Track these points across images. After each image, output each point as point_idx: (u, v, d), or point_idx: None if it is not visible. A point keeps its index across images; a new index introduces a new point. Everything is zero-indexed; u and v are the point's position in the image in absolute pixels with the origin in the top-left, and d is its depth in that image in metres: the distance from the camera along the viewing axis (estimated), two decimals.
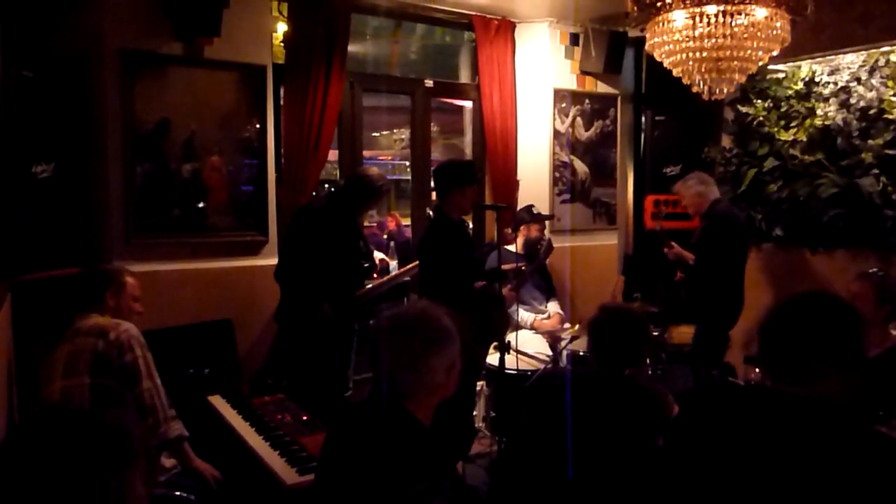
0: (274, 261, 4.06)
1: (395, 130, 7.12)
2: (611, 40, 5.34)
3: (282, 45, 4.29)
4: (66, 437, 1.19)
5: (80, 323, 2.61)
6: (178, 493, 2.49)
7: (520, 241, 4.59)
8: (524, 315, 4.41)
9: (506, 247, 4.56)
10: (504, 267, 3.74)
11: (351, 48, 4.48)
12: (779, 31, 3.15)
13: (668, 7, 3.10)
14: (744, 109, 5.40)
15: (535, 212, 4.64)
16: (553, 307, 4.68)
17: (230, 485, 2.58)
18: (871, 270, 3.09)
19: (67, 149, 3.68)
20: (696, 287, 4.41)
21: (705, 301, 4.37)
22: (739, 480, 1.60)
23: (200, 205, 4.02)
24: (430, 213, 4.53)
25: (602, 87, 5.66)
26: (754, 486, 1.57)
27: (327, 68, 4.23)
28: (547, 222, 4.92)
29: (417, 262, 3.84)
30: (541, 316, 4.55)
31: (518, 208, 4.98)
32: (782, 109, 5.21)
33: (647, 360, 4.63)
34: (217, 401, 3.09)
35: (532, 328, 4.39)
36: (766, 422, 1.62)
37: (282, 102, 4.27)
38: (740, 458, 1.61)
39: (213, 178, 4.04)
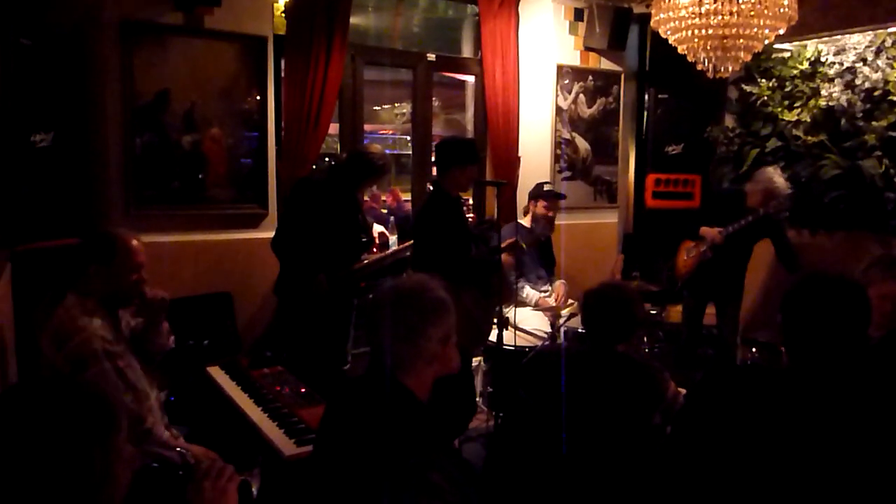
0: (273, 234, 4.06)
1: (396, 104, 7.06)
2: (615, 16, 5.29)
3: (283, 15, 4.24)
4: (46, 408, 1.17)
5: (58, 310, 2.32)
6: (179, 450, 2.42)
7: (530, 217, 4.56)
8: (529, 292, 4.41)
9: (521, 221, 4.57)
10: (503, 244, 3.74)
11: (353, 20, 4.44)
12: (786, 10, 3.12)
13: None
14: (748, 89, 5.37)
15: (545, 189, 4.59)
16: (557, 284, 4.66)
17: (228, 455, 2.60)
18: (889, 256, 3.01)
19: (67, 118, 3.66)
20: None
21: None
22: (757, 460, 1.62)
23: (200, 177, 4.01)
24: (430, 187, 4.51)
25: (606, 64, 5.61)
26: (772, 466, 1.59)
27: (329, 40, 4.19)
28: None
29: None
30: (544, 295, 4.55)
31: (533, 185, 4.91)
32: (787, 89, 5.17)
33: (644, 338, 4.68)
34: (216, 372, 3.11)
35: (536, 305, 4.39)
36: (783, 402, 1.65)
37: (282, 74, 4.23)
38: (759, 437, 1.64)
39: (212, 150, 4.03)
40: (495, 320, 3.62)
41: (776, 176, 4.20)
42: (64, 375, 1.28)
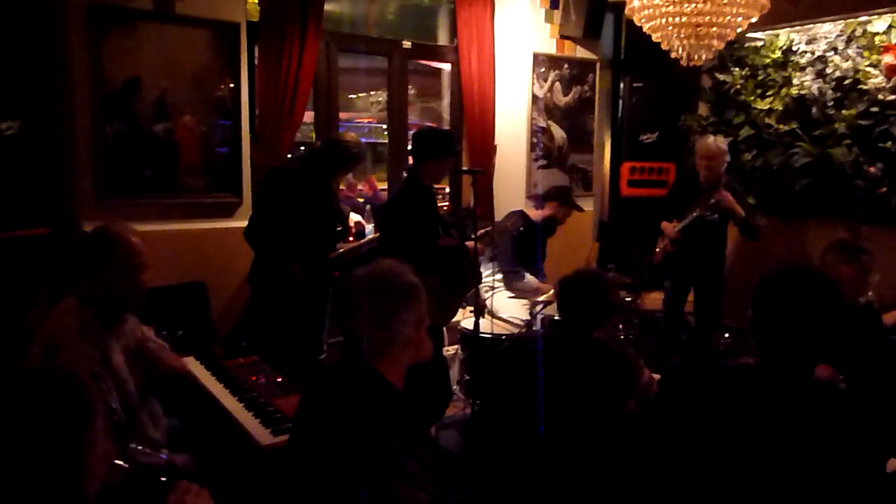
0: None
1: (371, 93, 7.01)
2: (591, 4, 5.30)
3: (256, 1, 4.19)
4: (19, 398, 1.15)
5: (53, 313, 2.13)
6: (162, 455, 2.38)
7: (543, 213, 4.56)
8: (530, 279, 4.41)
9: (526, 211, 4.61)
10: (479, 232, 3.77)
11: (327, 7, 4.39)
12: None
13: None
14: (721, 77, 5.42)
15: (572, 199, 4.64)
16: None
17: (205, 446, 2.58)
18: (842, 242, 3.10)
19: (34, 105, 3.58)
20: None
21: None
22: (727, 452, 1.64)
23: (172, 165, 3.95)
24: (405, 174, 4.51)
25: (581, 53, 5.62)
26: (744, 460, 1.62)
27: (303, 27, 4.15)
28: (526, 190, 4.92)
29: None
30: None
31: (552, 186, 4.90)
32: (759, 78, 5.23)
33: (620, 326, 4.72)
34: (191, 363, 3.07)
35: (537, 290, 4.40)
36: (753, 397, 1.67)
37: (256, 62, 4.19)
38: (729, 430, 1.66)
39: (185, 138, 3.98)
40: (467, 304, 3.63)
41: (708, 137, 4.41)
42: (38, 368, 1.25)
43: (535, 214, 4.56)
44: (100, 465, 1.22)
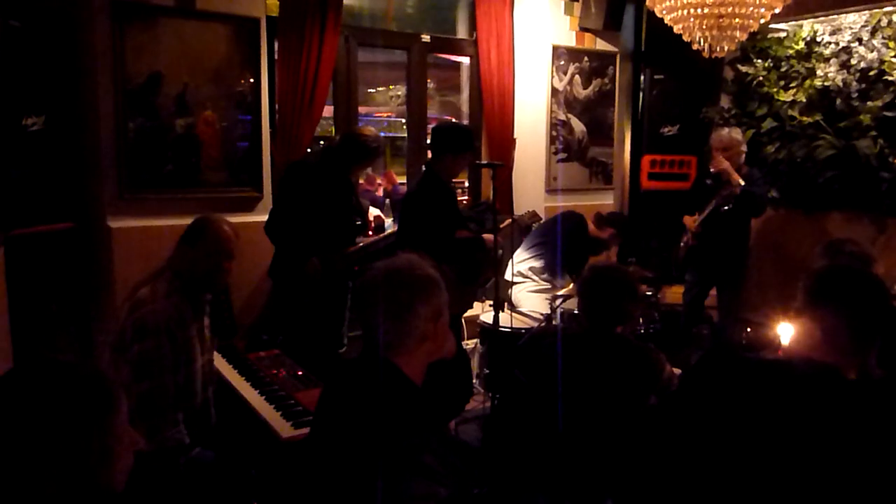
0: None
1: (391, 87, 7.02)
2: None
3: None
4: (45, 391, 1.18)
5: (152, 282, 2.40)
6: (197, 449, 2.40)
7: (600, 234, 4.55)
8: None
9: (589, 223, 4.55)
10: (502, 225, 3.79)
11: (346, 1, 4.40)
12: None
13: None
14: (743, 69, 5.35)
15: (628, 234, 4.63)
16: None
17: (226, 437, 2.61)
18: (828, 244, 3.08)
19: (58, 102, 3.63)
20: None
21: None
22: (749, 449, 1.63)
23: (193, 160, 3.98)
24: (423, 168, 4.52)
25: (601, 45, 5.58)
26: (774, 455, 1.60)
27: (322, 22, 4.16)
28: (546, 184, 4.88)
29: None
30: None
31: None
32: (782, 69, 5.15)
33: (640, 320, 4.69)
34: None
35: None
36: (777, 393, 1.66)
37: (276, 57, 4.20)
38: (751, 426, 1.65)
39: (206, 133, 4.01)
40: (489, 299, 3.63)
41: (723, 128, 4.39)
42: (64, 361, 1.29)
43: (592, 230, 4.55)
44: (125, 453, 1.24)
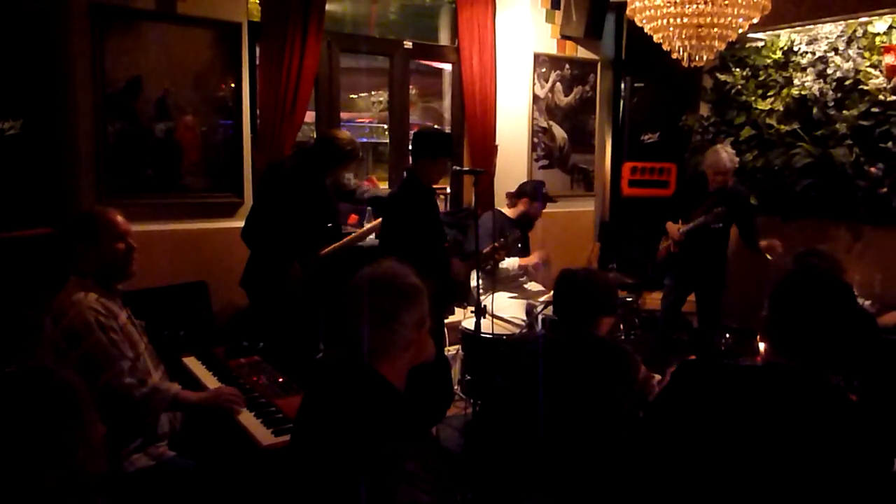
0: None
1: (373, 93, 7.01)
2: (592, 4, 5.30)
3: (257, 1, 4.19)
4: (25, 394, 1.30)
5: (60, 293, 2.36)
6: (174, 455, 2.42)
7: (517, 210, 4.58)
8: (509, 260, 4.41)
9: (503, 210, 4.60)
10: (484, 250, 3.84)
11: (328, 7, 4.39)
12: None
13: None
14: (722, 78, 5.42)
15: (543, 192, 4.64)
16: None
17: (206, 445, 2.59)
18: (800, 253, 3.15)
19: (36, 105, 3.59)
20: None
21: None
22: (736, 455, 1.64)
23: (174, 165, 3.96)
24: (405, 174, 4.52)
25: (582, 53, 5.62)
26: (746, 457, 1.62)
27: (304, 27, 4.15)
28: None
29: (380, 220, 3.84)
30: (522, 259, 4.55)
31: (526, 182, 4.90)
32: (760, 78, 5.23)
33: (620, 326, 4.73)
34: (192, 362, 3.08)
35: (520, 268, 4.42)
36: (765, 398, 1.67)
37: (257, 62, 4.19)
38: (731, 433, 1.66)
39: (186, 138, 3.98)
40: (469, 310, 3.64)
41: (721, 152, 4.42)
42: (36, 366, 1.35)
43: (510, 212, 4.58)
44: (100, 442, 1.39)
